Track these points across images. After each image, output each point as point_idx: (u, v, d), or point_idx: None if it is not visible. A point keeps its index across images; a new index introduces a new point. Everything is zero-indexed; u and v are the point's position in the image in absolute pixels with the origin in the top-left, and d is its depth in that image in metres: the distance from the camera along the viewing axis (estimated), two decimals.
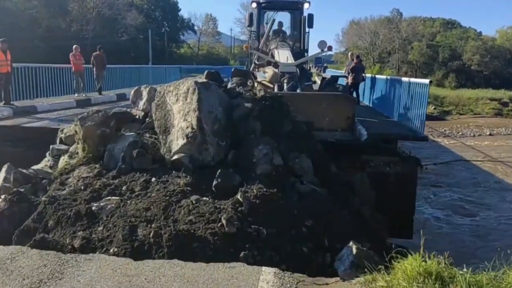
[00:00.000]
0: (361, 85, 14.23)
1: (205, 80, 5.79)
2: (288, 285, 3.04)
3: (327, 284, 3.09)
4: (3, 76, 11.09)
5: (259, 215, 4.36)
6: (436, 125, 27.57)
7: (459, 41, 48.43)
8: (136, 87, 6.99)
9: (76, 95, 14.41)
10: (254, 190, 4.61)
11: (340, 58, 54.93)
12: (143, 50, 43.68)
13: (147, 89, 6.79)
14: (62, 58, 14.40)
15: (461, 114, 34.79)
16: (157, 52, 46.40)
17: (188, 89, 5.45)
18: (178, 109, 5.47)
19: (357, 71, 12.99)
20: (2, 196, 5.15)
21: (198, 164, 5.11)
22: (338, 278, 3.24)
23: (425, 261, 2.66)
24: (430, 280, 2.46)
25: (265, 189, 4.66)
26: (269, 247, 4.07)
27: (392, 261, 3.10)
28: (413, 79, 8.85)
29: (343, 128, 7.22)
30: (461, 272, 2.58)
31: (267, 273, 3.25)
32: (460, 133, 27.07)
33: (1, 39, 10.97)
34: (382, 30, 52.08)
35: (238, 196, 4.51)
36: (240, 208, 4.35)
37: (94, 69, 15.17)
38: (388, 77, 11.72)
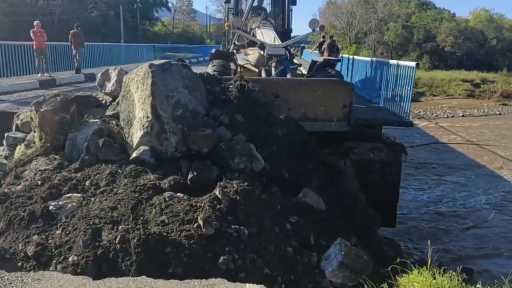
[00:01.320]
0: (339, 66, 13.78)
1: (164, 61, 5.22)
2: None
3: None
4: None
5: (239, 213, 3.94)
6: (411, 107, 27.64)
7: (434, 23, 48.63)
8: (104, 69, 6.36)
9: (39, 74, 13.48)
10: (234, 185, 4.17)
11: (318, 39, 54.40)
12: (114, 27, 41.87)
13: (116, 70, 6.17)
14: (28, 35, 13.38)
15: (434, 96, 35.11)
16: (130, 30, 44.66)
17: (144, 74, 4.92)
18: (138, 97, 4.94)
19: (331, 50, 12.71)
20: None
21: (162, 157, 4.60)
22: None
23: (434, 277, 2.32)
24: None
25: (246, 184, 4.22)
26: (251, 249, 3.66)
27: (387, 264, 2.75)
28: (398, 61, 8.49)
29: (338, 117, 6.53)
30: None
31: None
32: (434, 114, 27.35)
33: None
34: (359, 10, 51.77)
35: (216, 192, 4.06)
36: (218, 206, 3.91)
37: (72, 47, 14.97)
38: (373, 59, 11.33)
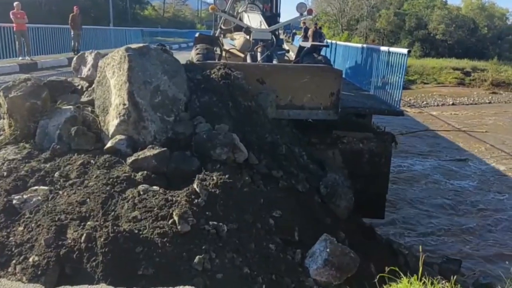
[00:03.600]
0: (327, 52, 13.87)
1: (141, 44, 4.91)
2: None
3: None
4: None
5: (218, 208, 3.69)
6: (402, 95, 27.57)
7: (425, 10, 48.35)
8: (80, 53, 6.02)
9: (20, 58, 12.98)
10: (214, 178, 3.91)
11: (310, 25, 53.93)
12: (103, 10, 40.74)
13: (93, 54, 5.83)
14: (9, 16, 12.86)
15: (425, 83, 35.07)
16: (119, 14, 43.57)
17: (121, 58, 4.61)
18: (114, 83, 4.63)
19: (315, 37, 13.38)
20: None
21: (139, 147, 4.32)
22: None
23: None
24: None
25: (227, 176, 3.97)
26: (230, 248, 3.42)
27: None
28: (390, 48, 8.23)
29: (326, 105, 6.27)
30: None
31: None
32: (425, 102, 27.34)
33: None
34: None
35: (195, 185, 3.80)
36: (196, 200, 3.65)
37: (72, 30, 15.24)
38: (364, 45, 11.05)
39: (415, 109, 24.81)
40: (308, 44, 8.75)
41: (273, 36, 8.00)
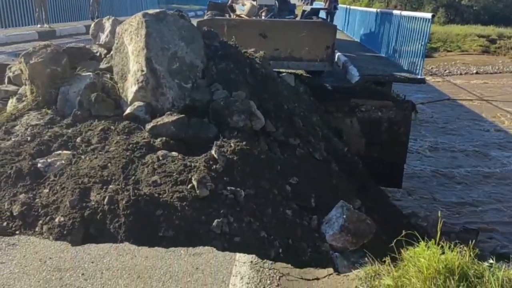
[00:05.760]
0: (343, 17, 14.84)
1: (158, 10, 4.88)
2: (268, 282, 2.45)
3: (317, 279, 2.52)
4: None
5: (236, 174, 3.73)
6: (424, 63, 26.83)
7: None
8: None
9: (38, 25, 13.04)
10: (232, 144, 3.94)
11: None
12: None
13: (110, 20, 5.82)
14: None
15: (448, 51, 33.87)
16: None
17: (138, 24, 4.58)
18: (132, 50, 4.62)
19: (330, 1, 14.09)
20: None
21: (157, 113, 4.35)
22: (331, 270, 2.68)
23: (443, 251, 2.10)
24: (452, 281, 1.91)
25: (244, 143, 3.99)
26: (247, 212, 3.49)
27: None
28: (412, 13, 7.94)
29: (322, 58, 6.98)
30: (490, 267, 2.04)
31: (242, 263, 2.65)
32: (447, 71, 26.54)
33: None
34: None
35: (213, 151, 3.84)
36: (214, 166, 3.70)
37: None
38: (383, 10, 10.73)
39: (437, 77, 24.18)
40: (308, 8, 9.97)
41: (276, 1, 9.00)
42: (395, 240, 2.34)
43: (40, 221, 3.17)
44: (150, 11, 4.76)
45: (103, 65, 5.24)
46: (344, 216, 3.75)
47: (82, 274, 2.47)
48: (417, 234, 2.29)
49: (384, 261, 2.35)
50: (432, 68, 26.41)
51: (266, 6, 8.82)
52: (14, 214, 3.24)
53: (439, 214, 2.25)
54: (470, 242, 2.25)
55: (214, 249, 2.79)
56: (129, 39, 4.77)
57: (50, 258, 2.62)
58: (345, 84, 7.28)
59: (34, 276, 2.46)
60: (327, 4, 13.39)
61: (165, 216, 3.19)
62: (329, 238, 3.78)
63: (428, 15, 6.91)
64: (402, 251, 2.28)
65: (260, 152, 4.14)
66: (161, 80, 4.52)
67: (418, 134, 12.07)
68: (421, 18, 7.10)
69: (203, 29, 5.43)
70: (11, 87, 5.46)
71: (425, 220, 5.64)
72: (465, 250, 2.12)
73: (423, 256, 2.07)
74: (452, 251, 2.09)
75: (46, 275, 2.46)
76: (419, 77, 7.12)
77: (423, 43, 6.95)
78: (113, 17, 5.75)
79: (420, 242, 2.22)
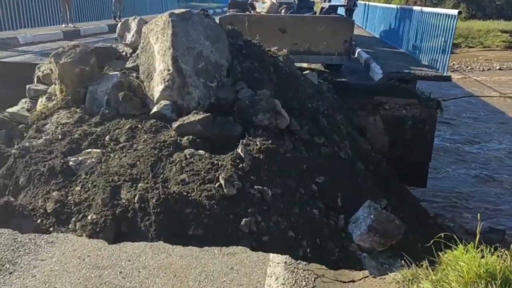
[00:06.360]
0: (363, 13, 15.20)
1: (184, 10, 4.91)
2: (304, 283, 2.45)
3: (353, 281, 2.50)
4: None
5: (263, 173, 3.75)
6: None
7: None
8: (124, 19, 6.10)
9: (63, 25, 13.28)
10: (258, 143, 3.96)
11: None
12: None
13: (136, 20, 5.89)
14: None
15: (470, 47, 33.13)
16: None
17: (164, 24, 4.62)
18: (158, 49, 4.68)
19: None
20: None
21: (183, 112, 4.40)
22: (366, 273, 2.66)
23: (482, 255, 2.06)
24: (494, 286, 1.87)
25: (270, 142, 4.00)
26: (274, 211, 3.50)
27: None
28: (436, 9, 7.79)
29: (340, 52, 7.13)
30: None
31: (276, 263, 2.66)
32: (469, 67, 25.96)
33: None
34: None
35: (239, 150, 3.86)
36: (241, 165, 3.72)
37: None
38: (401, 6, 10.66)
39: (459, 74, 23.70)
40: (326, 5, 10.17)
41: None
42: (431, 242, 2.31)
43: (73, 218, 3.25)
44: (176, 11, 4.80)
45: (129, 64, 5.32)
46: (372, 216, 3.72)
47: (120, 272, 2.52)
48: (454, 237, 2.25)
49: (421, 264, 2.32)
50: (453, 64, 25.85)
51: (285, 4, 9.02)
52: (48, 211, 3.33)
53: (479, 217, 2.19)
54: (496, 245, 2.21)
55: (247, 249, 2.81)
56: (155, 39, 4.83)
57: (88, 256, 2.68)
58: (368, 81, 7.22)
59: (74, 273, 2.51)
60: (346, 1, 13.54)
61: (194, 214, 3.23)
62: (356, 238, 3.77)
63: (454, 12, 6.77)
64: (440, 254, 2.25)
65: (286, 150, 4.15)
66: (187, 79, 4.56)
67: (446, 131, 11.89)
68: (446, 15, 6.97)
69: (227, 28, 5.45)
70: (41, 86, 5.60)
71: (452, 221, 5.55)
72: (505, 254, 2.07)
73: (462, 260, 2.03)
74: (492, 254, 2.05)
75: (86, 272, 2.52)
76: (444, 74, 7.00)
77: (448, 40, 6.83)
78: (139, 17, 5.82)
79: (458, 245, 2.18)
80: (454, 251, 2.18)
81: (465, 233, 5.10)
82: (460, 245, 2.18)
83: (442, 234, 2.30)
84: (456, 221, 5.80)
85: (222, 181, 3.50)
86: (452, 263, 2.08)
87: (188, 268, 2.53)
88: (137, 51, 5.25)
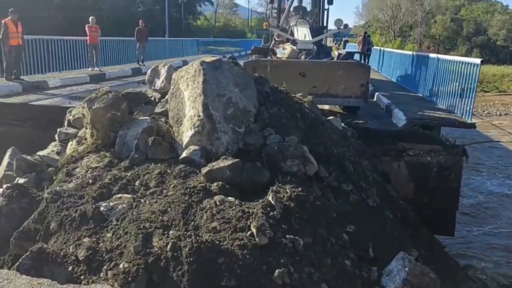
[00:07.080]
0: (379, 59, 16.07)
1: (214, 58, 5.08)
2: None
3: None
4: (14, 49, 10.49)
5: (294, 221, 3.70)
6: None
7: (485, 15, 46.23)
8: (153, 66, 6.29)
9: (89, 69, 13.82)
10: (288, 190, 3.93)
11: (360, 32, 53.43)
12: (159, 21, 42.57)
13: (166, 67, 6.07)
14: (78, 30, 13.82)
15: (485, 92, 33.35)
16: (174, 24, 45.30)
17: (195, 72, 4.76)
18: (188, 95, 4.80)
19: (363, 44, 16.13)
20: (4, 186, 4.60)
21: (212, 157, 4.43)
22: None
23: None
24: None
25: (300, 189, 3.97)
26: (306, 262, 3.42)
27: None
28: (458, 57, 7.91)
29: (357, 94, 7.51)
30: None
31: None
32: (486, 111, 25.99)
33: (10, 10, 10.36)
34: (404, 2, 50.10)
35: (269, 197, 3.84)
36: (271, 213, 3.69)
37: (137, 42, 16.37)
38: (414, 53, 10.92)
39: (476, 118, 23.63)
40: (343, 52, 10.73)
41: (314, 46, 9.73)
42: None
43: (105, 267, 3.21)
44: (207, 59, 4.95)
45: (158, 109, 5.44)
46: (407, 269, 3.61)
47: None
48: None
49: None
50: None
51: (305, 50, 9.42)
52: (80, 258, 3.30)
53: None
54: None
55: None
56: (185, 85, 4.96)
57: None
58: (391, 127, 7.23)
59: None
60: (360, 47, 14.14)
61: (227, 264, 3.17)
62: None
63: (477, 61, 6.86)
64: None
65: (315, 198, 4.11)
66: (217, 125, 4.63)
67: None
68: (469, 63, 7.06)
69: (254, 76, 5.58)
70: (71, 130, 5.73)
71: (483, 273, 5.35)
72: None
73: None
74: None
75: None
76: (469, 121, 6.99)
77: (472, 88, 6.87)
78: (168, 64, 6.00)
79: None
80: None
81: (498, 287, 4.91)
82: None
83: None
84: (487, 272, 5.59)
85: (253, 230, 3.46)
86: None
87: None
88: (167, 97, 5.38)
